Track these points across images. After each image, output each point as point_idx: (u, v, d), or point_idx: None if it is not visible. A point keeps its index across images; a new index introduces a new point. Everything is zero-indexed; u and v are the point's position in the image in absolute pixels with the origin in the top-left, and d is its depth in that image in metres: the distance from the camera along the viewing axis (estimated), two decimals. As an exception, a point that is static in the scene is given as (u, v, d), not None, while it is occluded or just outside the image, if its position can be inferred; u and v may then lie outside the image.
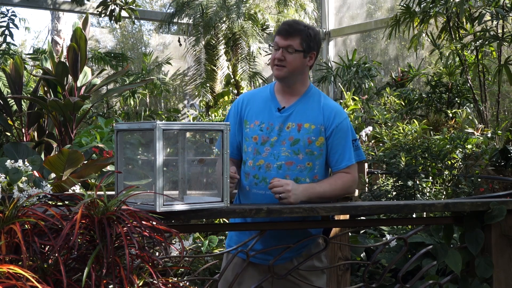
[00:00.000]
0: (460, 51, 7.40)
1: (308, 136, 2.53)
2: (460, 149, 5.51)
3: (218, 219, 3.93)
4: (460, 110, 7.67)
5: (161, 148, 1.99)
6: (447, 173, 5.39)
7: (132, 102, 10.86)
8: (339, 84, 10.05)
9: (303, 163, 2.51)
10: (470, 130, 6.83)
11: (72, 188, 1.91)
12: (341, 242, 3.07)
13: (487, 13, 6.89)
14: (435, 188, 5.31)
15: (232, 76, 10.37)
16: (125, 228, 1.70)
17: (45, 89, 6.07)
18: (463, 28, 7.73)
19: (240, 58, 9.98)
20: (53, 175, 4.18)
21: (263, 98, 2.66)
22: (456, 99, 8.40)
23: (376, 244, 2.75)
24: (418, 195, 5.07)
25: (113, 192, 2.13)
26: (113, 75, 6.70)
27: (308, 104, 2.60)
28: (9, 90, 6.38)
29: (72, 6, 9.46)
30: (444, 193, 5.34)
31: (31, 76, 8.34)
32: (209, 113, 9.51)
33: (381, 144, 6.61)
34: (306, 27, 2.59)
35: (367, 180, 5.96)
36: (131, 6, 8.69)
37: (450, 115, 7.78)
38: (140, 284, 1.78)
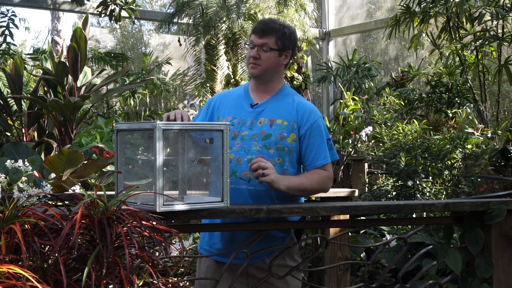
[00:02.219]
0: (460, 51, 7.41)
1: (280, 132, 2.53)
2: (460, 149, 5.51)
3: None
4: (460, 110, 7.68)
5: (161, 148, 1.99)
6: (447, 173, 5.39)
7: (132, 102, 10.86)
8: (339, 84, 10.05)
9: (274, 158, 2.51)
10: (470, 130, 6.84)
11: (72, 188, 1.91)
12: (341, 242, 3.07)
13: (487, 13, 6.90)
14: (435, 188, 5.31)
15: (232, 76, 10.37)
16: (125, 228, 1.70)
17: (45, 89, 6.08)
18: (463, 28, 7.73)
19: (240, 58, 9.98)
20: (53, 175, 4.19)
21: (236, 96, 2.67)
22: (456, 99, 8.40)
23: (376, 244, 2.75)
24: (418, 195, 5.07)
25: (113, 192, 2.13)
26: (113, 75, 6.70)
27: (281, 101, 2.61)
28: (9, 90, 6.38)
29: (72, 6, 9.46)
30: (444, 193, 5.34)
31: (31, 76, 8.34)
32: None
33: (381, 144, 6.61)
34: (282, 26, 2.60)
35: (367, 180, 5.97)
36: (131, 6, 8.69)
37: (450, 115, 7.78)
38: (140, 284, 1.78)
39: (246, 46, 2.65)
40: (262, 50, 2.55)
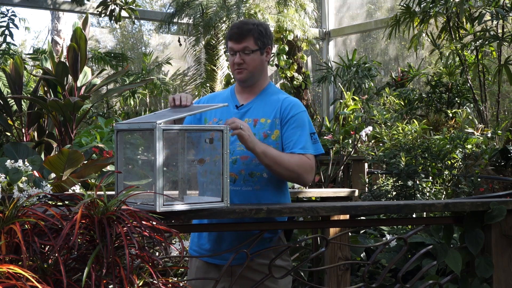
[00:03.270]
0: (460, 51, 7.40)
1: (264, 131, 2.53)
2: (460, 149, 5.51)
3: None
4: (460, 110, 7.67)
5: (161, 148, 1.99)
6: (447, 173, 5.39)
7: (132, 102, 10.86)
8: (339, 84, 10.04)
9: None
10: (470, 130, 6.83)
11: (72, 188, 1.91)
12: (341, 242, 3.07)
13: (487, 13, 6.89)
14: (435, 188, 5.31)
15: (232, 76, 10.37)
16: (125, 228, 1.70)
17: (45, 89, 6.08)
18: (463, 28, 7.73)
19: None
20: (53, 175, 4.19)
21: (223, 97, 2.68)
22: (456, 99, 8.40)
23: (376, 244, 2.75)
24: (418, 195, 5.07)
25: (113, 192, 2.13)
26: (113, 75, 6.70)
27: (265, 100, 2.61)
28: (9, 90, 6.38)
29: (72, 6, 9.46)
30: (444, 193, 5.34)
31: (31, 76, 8.34)
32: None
33: (381, 144, 6.61)
34: (255, 24, 2.59)
35: (367, 180, 5.97)
36: (131, 6, 8.69)
37: (450, 115, 7.78)
38: (140, 284, 1.78)
39: (227, 54, 2.62)
40: (244, 54, 2.55)
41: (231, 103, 2.63)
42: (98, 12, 8.68)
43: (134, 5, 8.79)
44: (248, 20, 2.65)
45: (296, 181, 2.56)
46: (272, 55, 10.01)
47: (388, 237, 4.44)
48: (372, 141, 6.98)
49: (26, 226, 1.72)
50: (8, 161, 2.17)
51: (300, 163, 2.48)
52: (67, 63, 5.78)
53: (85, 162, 4.27)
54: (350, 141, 7.20)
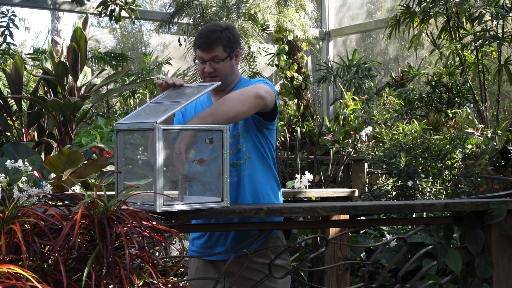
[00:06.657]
0: (460, 51, 7.40)
1: (235, 128, 2.55)
2: (460, 149, 5.51)
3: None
4: (460, 110, 7.67)
5: (161, 148, 1.99)
6: (447, 173, 5.39)
7: (132, 102, 10.85)
8: (339, 84, 10.04)
9: (235, 146, 2.52)
10: (470, 130, 6.83)
11: (72, 188, 1.91)
12: (341, 242, 3.07)
13: (487, 13, 6.89)
14: (435, 188, 5.31)
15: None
16: (125, 228, 1.70)
17: (45, 89, 6.07)
18: (463, 28, 7.73)
19: (240, 58, 9.96)
20: (53, 175, 4.19)
21: (199, 101, 2.68)
22: (456, 99, 8.39)
23: (376, 244, 2.75)
24: (418, 195, 5.07)
25: (113, 192, 2.13)
26: (113, 75, 6.70)
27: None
28: (9, 90, 6.38)
29: (72, 6, 9.46)
30: (444, 193, 5.34)
31: (31, 76, 8.33)
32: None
33: (381, 144, 6.61)
34: (222, 30, 2.55)
35: (367, 180, 5.97)
36: (131, 6, 8.69)
37: (450, 115, 7.78)
38: (140, 284, 1.78)
39: (196, 62, 2.60)
40: (214, 63, 2.53)
41: (206, 105, 2.62)
42: (98, 12, 8.68)
43: (134, 5, 8.78)
44: (215, 27, 2.57)
45: (250, 102, 2.36)
46: (272, 55, 10.02)
47: (388, 237, 4.44)
48: (372, 141, 6.98)
49: (26, 226, 1.72)
50: (8, 161, 2.18)
51: (239, 93, 2.42)
52: (67, 63, 5.77)
53: (85, 162, 4.27)
54: (350, 141, 7.20)
